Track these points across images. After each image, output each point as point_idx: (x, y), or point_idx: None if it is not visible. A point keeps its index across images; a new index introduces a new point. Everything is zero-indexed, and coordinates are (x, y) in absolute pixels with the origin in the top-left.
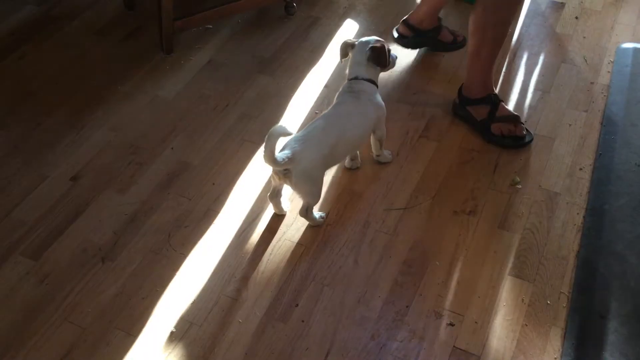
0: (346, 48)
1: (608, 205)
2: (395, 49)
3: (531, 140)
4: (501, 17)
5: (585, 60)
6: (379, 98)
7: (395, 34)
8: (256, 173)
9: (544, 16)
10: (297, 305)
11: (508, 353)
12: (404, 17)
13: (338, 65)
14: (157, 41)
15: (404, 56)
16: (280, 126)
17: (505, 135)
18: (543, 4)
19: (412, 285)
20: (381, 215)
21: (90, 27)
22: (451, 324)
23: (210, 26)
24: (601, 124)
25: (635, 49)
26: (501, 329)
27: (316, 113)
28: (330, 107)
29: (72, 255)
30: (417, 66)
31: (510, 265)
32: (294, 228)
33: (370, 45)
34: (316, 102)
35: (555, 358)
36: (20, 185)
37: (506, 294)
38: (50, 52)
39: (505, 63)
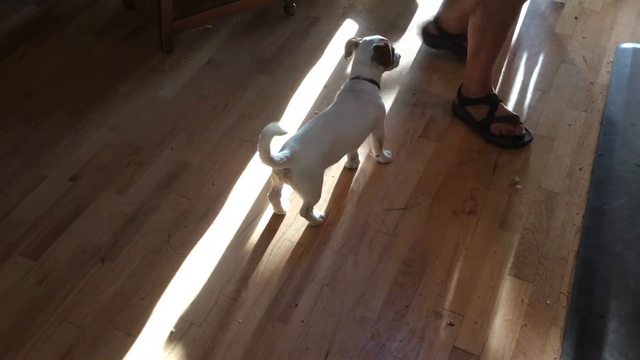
0: (350, 46)
1: (607, 205)
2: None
3: (530, 140)
4: (501, 19)
5: (585, 61)
6: (380, 98)
7: (421, 30)
8: (256, 173)
9: (543, 16)
10: (296, 305)
11: (507, 353)
12: (435, 16)
13: (338, 65)
14: (156, 41)
15: (404, 56)
16: (274, 125)
17: (504, 135)
18: (542, 4)
19: (411, 285)
20: (381, 215)
21: (90, 27)
22: (451, 324)
23: (210, 26)
24: (601, 124)
25: (635, 49)
26: (501, 329)
27: (316, 113)
28: (330, 106)
29: (71, 255)
30: (417, 66)
31: (509, 265)
32: (293, 228)
33: (374, 45)
34: (316, 102)
35: (555, 358)
36: (19, 185)
37: (506, 294)
38: (50, 52)
39: (505, 63)
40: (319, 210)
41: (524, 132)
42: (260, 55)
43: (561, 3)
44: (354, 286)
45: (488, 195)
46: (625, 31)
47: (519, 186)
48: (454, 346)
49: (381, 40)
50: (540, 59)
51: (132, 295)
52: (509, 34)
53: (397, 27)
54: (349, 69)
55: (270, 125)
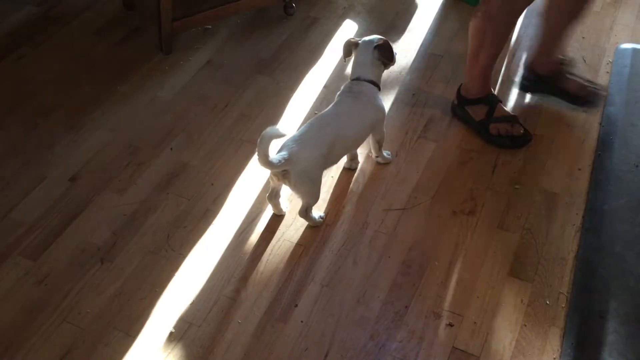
0: (350, 47)
1: (607, 205)
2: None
3: (530, 141)
4: (502, 21)
5: (584, 61)
6: (380, 100)
7: (519, 78)
8: (255, 173)
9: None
10: (296, 305)
11: (507, 353)
12: (526, 60)
13: (337, 66)
14: (156, 41)
15: (403, 57)
16: (272, 128)
17: (503, 136)
18: (542, 5)
19: (411, 285)
20: (380, 215)
21: (89, 28)
22: (450, 325)
23: (210, 27)
24: (600, 124)
25: (634, 50)
26: (500, 330)
27: (315, 113)
28: (329, 107)
29: (71, 256)
30: (416, 67)
31: (509, 265)
32: (293, 228)
33: (376, 44)
34: (315, 102)
35: (554, 358)
36: (19, 186)
37: (505, 294)
38: (49, 52)
39: (504, 63)
40: (318, 211)
41: (522, 132)
42: (259, 56)
43: None
44: (353, 286)
45: (487, 196)
46: (624, 31)
47: (519, 186)
48: (453, 346)
49: (380, 39)
50: None
51: (132, 296)
52: (509, 36)
53: (396, 28)
54: (348, 70)
55: (269, 129)
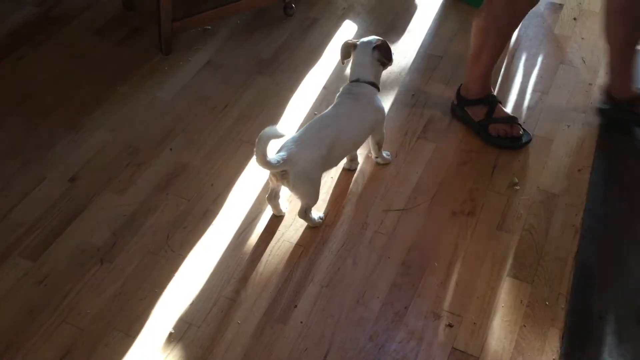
0: (347, 49)
1: (606, 206)
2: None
3: (529, 141)
4: (505, 23)
5: (584, 62)
6: (379, 101)
7: (600, 107)
8: (255, 174)
9: (542, 17)
10: (295, 306)
11: (506, 354)
12: (604, 88)
13: (337, 67)
14: (156, 42)
15: (402, 58)
16: (270, 128)
17: (502, 137)
18: (541, 5)
19: (410, 286)
20: (380, 216)
21: (89, 28)
22: (450, 325)
23: (209, 27)
24: (599, 125)
25: None
26: (500, 330)
27: (315, 114)
28: (328, 108)
29: (70, 256)
30: (415, 67)
31: (508, 266)
32: (292, 229)
33: (375, 45)
34: (315, 103)
35: (554, 359)
36: (18, 186)
37: (505, 295)
38: (49, 52)
39: (504, 64)
40: (317, 211)
41: (521, 132)
42: (259, 56)
43: (560, 4)
44: (352, 287)
45: (487, 196)
46: None
47: (518, 187)
48: (452, 347)
49: (378, 39)
50: (539, 60)
51: (131, 296)
52: (511, 37)
53: (396, 29)
54: (347, 71)
55: (267, 129)
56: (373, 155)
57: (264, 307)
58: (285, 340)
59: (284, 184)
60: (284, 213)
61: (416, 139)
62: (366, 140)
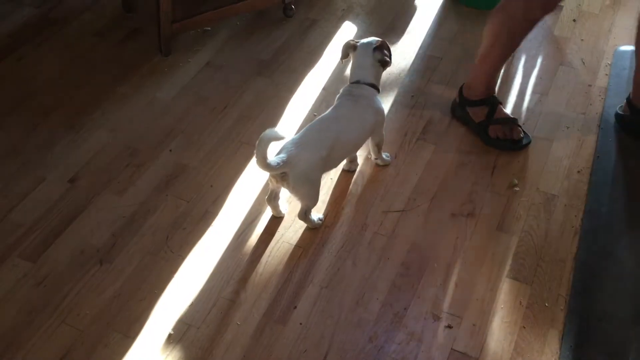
0: (348, 49)
1: (606, 207)
2: (396, 50)
3: (528, 143)
4: (518, 28)
5: (583, 63)
6: (379, 103)
7: (619, 112)
8: (254, 175)
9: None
10: (295, 307)
11: (506, 355)
12: (628, 97)
13: (336, 68)
14: (155, 43)
15: (402, 59)
16: (271, 130)
17: (501, 138)
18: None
19: (410, 287)
20: (379, 217)
21: (89, 29)
22: (449, 327)
23: (209, 28)
24: (599, 126)
25: (633, 52)
26: (499, 332)
27: (314, 115)
28: (328, 110)
29: (70, 257)
30: (415, 69)
31: (508, 267)
32: (292, 230)
33: (375, 46)
34: (314, 104)
35: None
36: (18, 187)
37: (504, 296)
38: (48, 53)
39: (504, 66)
40: (317, 213)
41: (521, 135)
42: (259, 57)
43: (559, 5)
44: (352, 288)
45: (486, 198)
46: (623, 34)
47: (518, 188)
48: (452, 348)
49: (378, 40)
50: (539, 61)
51: (131, 297)
52: (522, 41)
53: (395, 30)
54: (347, 72)
55: (267, 131)
56: (373, 156)
57: (263, 308)
58: (285, 342)
59: (283, 186)
60: (284, 214)
61: (416, 140)
62: (366, 142)
